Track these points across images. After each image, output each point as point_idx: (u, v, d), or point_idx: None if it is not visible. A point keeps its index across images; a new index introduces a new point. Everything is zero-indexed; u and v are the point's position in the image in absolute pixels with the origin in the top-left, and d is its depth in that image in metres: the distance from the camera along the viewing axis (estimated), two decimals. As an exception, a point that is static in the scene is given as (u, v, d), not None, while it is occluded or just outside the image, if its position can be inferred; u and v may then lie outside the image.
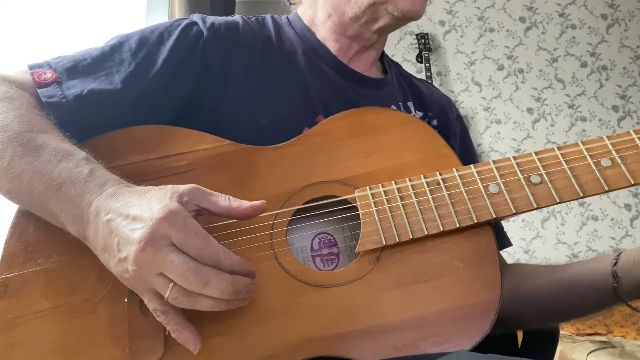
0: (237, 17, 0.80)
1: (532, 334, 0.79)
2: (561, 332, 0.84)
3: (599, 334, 2.03)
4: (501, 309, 0.73)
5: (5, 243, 0.58)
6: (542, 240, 2.63)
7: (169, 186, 0.53)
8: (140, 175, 0.61)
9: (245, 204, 0.55)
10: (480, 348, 0.53)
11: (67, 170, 0.53)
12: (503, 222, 0.85)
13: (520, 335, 0.80)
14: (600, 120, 2.76)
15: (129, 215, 0.49)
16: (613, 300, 0.66)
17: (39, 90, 0.62)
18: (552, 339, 0.78)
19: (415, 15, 0.75)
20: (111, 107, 0.65)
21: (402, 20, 0.77)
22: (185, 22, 0.74)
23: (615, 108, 2.77)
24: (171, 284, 0.48)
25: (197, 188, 0.54)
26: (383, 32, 0.81)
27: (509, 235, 0.87)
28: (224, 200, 0.54)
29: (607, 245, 2.60)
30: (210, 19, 0.76)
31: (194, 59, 0.71)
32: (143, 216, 0.49)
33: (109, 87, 0.65)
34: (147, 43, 0.70)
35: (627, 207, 2.65)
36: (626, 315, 2.09)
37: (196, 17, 0.76)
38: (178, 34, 0.72)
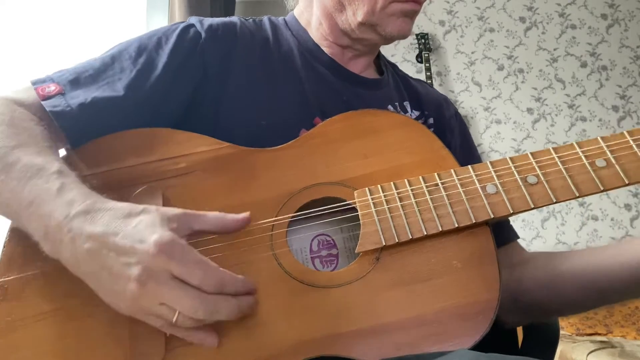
0: (234, 18, 0.80)
1: (532, 334, 0.79)
2: (561, 332, 0.84)
3: (599, 334, 2.03)
4: (535, 294, 0.72)
5: (4, 246, 0.58)
6: (542, 240, 2.63)
7: (153, 208, 0.51)
8: (139, 179, 0.61)
9: (236, 215, 0.55)
10: (480, 348, 0.53)
11: (37, 187, 0.52)
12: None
13: (520, 335, 0.80)
14: (600, 120, 2.76)
15: (117, 247, 0.47)
16: None
17: (43, 103, 0.62)
18: (552, 339, 0.78)
19: (402, 37, 0.78)
20: (115, 113, 0.66)
21: (391, 40, 0.79)
22: (182, 25, 0.75)
23: (615, 108, 2.77)
24: (177, 312, 0.47)
25: (185, 212, 0.52)
26: (373, 46, 0.83)
27: (509, 235, 0.87)
28: (214, 217, 0.54)
29: (607, 245, 2.60)
30: (208, 20, 0.77)
31: (193, 61, 0.72)
32: (136, 249, 0.47)
33: (112, 94, 0.65)
34: (146, 49, 0.70)
35: (627, 207, 2.65)
36: (626, 315, 2.09)
37: (193, 20, 0.77)
38: (176, 38, 0.72)
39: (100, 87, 0.66)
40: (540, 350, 0.77)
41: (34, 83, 0.65)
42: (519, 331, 0.81)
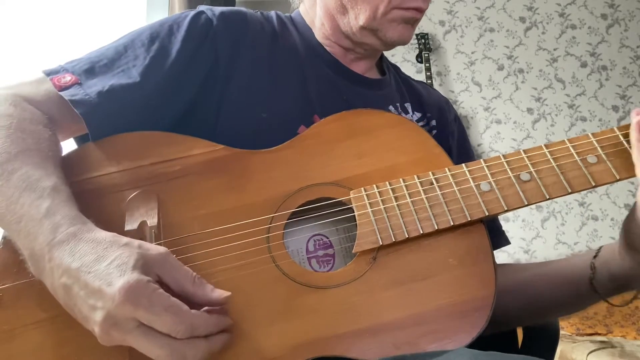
0: (243, 8, 0.80)
1: (532, 334, 0.79)
2: (561, 332, 0.84)
3: (599, 334, 2.03)
4: None
5: None
6: (542, 240, 2.63)
7: (136, 245, 0.49)
8: (134, 182, 0.61)
9: (209, 294, 0.51)
10: (480, 348, 0.53)
11: (28, 202, 0.52)
12: (502, 222, 0.86)
13: (520, 335, 0.80)
14: (600, 120, 2.76)
15: (87, 286, 0.47)
16: (590, 294, 0.66)
17: (61, 93, 0.62)
18: (552, 339, 0.78)
19: (403, 43, 0.79)
20: (133, 99, 0.66)
21: (391, 46, 0.80)
22: (192, 12, 0.75)
23: (615, 108, 2.77)
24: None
25: (165, 259, 0.50)
26: (374, 51, 0.83)
27: (509, 235, 0.87)
28: (189, 281, 0.50)
29: (608, 245, 2.59)
30: (218, 8, 0.77)
31: (205, 47, 0.72)
32: (102, 292, 0.45)
33: (128, 81, 0.66)
34: (158, 36, 0.71)
35: (627, 207, 2.64)
36: (626, 315, 2.08)
37: (203, 7, 0.77)
38: (188, 24, 0.72)
39: (115, 74, 0.66)
40: (540, 350, 0.77)
41: (48, 74, 0.65)
42: (519, 331, 0.81)
